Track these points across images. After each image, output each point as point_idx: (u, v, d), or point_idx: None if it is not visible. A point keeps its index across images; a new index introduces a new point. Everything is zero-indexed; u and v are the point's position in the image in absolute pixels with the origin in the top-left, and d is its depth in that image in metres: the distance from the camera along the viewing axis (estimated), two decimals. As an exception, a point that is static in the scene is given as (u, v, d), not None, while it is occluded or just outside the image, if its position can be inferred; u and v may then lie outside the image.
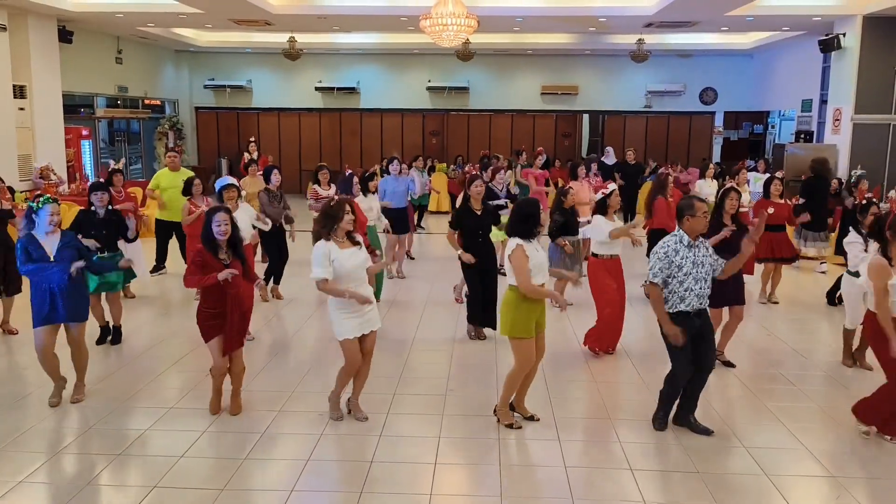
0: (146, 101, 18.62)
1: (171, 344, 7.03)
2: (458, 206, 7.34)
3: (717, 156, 20.17)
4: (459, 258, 7.01)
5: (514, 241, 4.92)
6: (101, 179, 8.65)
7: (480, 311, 7.12)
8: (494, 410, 5.26)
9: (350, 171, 8.57)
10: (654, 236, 8.06)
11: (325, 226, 4.94)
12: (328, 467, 4.62)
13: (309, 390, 5.86)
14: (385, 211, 9.26)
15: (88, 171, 15.20)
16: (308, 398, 5.68)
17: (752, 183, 12.34)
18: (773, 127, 20.19)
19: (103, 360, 6.55)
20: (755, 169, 14.32)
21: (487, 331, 7.25)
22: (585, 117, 21.47)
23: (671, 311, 4.84)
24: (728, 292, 6.11)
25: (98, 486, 4.34)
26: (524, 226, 4.92)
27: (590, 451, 4.92)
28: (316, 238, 4.99)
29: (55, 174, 12.92)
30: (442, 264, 10.60)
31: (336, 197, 5.30)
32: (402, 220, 9.86)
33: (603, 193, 6.75)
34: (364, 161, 19.80)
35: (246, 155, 13.59)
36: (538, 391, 5.71)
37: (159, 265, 9.93)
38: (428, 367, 6.47)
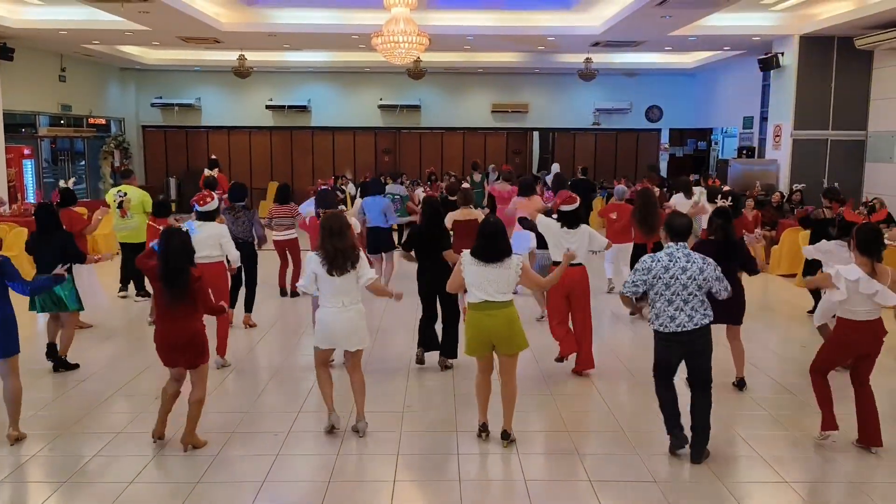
0: (91, 120, 18.19)
1: (117, 368, 6.80)
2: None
3: (663, 171, 20.60)
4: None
5: (516, 258, 4.97)
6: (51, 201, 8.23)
7: (434, 339, 6.81)
8: (506, 434, 5.10)
9: (324, 186, 8.48)
10: (640, 251, 8.19)
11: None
12: (285, 488, 4.52)
13: (263, 411, 5.75)
14: (368, 230, 9.87)
15: (30, 191, 14.76)
16: (262, 419, 5.57)
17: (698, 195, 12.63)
18: (716, 143, 20.76)
19: (47, 385, 6.32)
20: (698, 182, 14.69)
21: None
22: (535, 134, 21.80)
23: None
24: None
25: (43, 516, 4.17)
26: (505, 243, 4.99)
27: (549, 463, 4.94)
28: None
29: (-5, 195, 12.52)
30: (398, 283, 10.54)
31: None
32: (385, 239, 9.99)
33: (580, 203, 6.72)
34: (315, 179, 19.66)
35: (207, 171, 13.26)
36: (497, 405, 5.70)
37: (124, 287, 9.63)
38: (385, 385, 6.40)
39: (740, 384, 6.32)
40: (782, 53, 13.99)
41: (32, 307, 6.59)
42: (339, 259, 4.93)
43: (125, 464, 4.79)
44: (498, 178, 15.69)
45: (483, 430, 5.17)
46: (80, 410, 5.73)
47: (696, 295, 4.69)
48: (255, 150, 20.74)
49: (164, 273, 4.79)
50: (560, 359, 6.72)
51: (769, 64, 14.31)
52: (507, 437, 5.08)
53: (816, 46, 13.61)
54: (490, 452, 5.01)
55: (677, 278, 4.67)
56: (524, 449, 5.04)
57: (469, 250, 5.00)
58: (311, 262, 5.04)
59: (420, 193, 16.28)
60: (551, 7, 13.49)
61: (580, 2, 12.95)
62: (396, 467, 4.77)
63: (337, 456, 4.91)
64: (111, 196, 9.56)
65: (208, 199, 6.66)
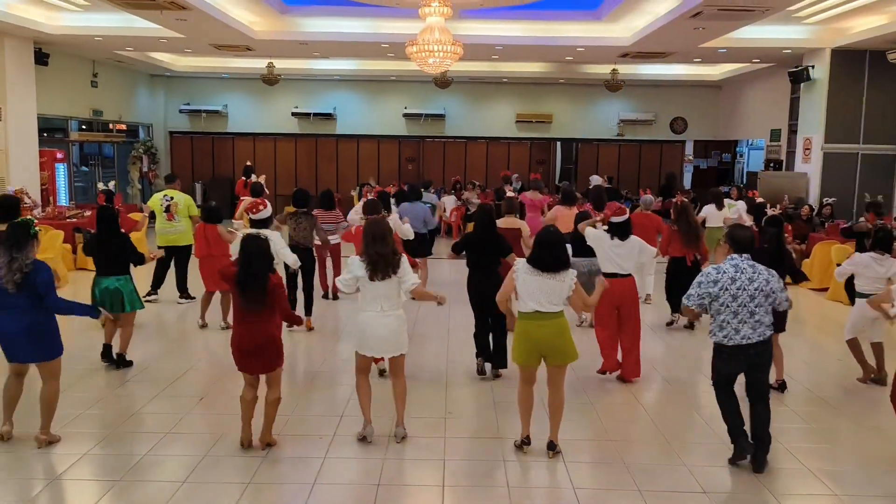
0: (119, 126, 18.41)
1: (160, 369, 6.87)
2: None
3: (687, 183, 20.55)
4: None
5: (572, 272, 4.94)
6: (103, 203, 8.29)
7: (488, 347, 6.77)
8: (552, 445, 5.08)
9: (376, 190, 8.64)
10: (678, 264, 8.29)
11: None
12: (336, 490, 4.56)
13: (309, 413, 5.80)
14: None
15: (62, 194, 14.96)
16: (307, 422, 5.62)
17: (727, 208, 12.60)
18: (741, 156, 20.69)
19: (93, 385, 6.40)
20: (728, 195, 14.64)
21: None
22: (559, 145, 21.78)
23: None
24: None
25: (100, 514, 4.23)
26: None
27: (596, 472, 4.93)
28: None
29: (29, 197, 12.66)
30: (432, 289, 10.57)
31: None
32: (422, 244, 10.12)
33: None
34: (340, 187, 19.81)
35: (254, 177, 13.47)
36: (541, 414, 5.71)
37: (154, 291, 9.63)
38: (423, 391, 6.41)
39: (781, 387, 6.41)
40: (813, 66, 13.94)
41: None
42: (381, 264, 4.99)
43: (176, 464, 4.85)
44: (522, 188, 15.71)
45: (526, 442, 5.12)
46: (127, 410, 5.81)
47: (762, 306, 4.73)
48: (280, 156, 20.89)
49: (243, 278, 4.83)
50: (603, 372, 6.76)
51: (800, 77, 14.25)
52: (553, 447, 5.06)
53: (848, 60, 13.55)
54: (536, 460, 5.00)
55: (744, 289, 4.69)
56: (570, 457, 5.04)
57: (525, 259, 5.02)
58: (354, 265, 5.10)
59: (444, 201, 16.35)
60: (582, 18, 13.54)
61: (611, 13, 12.98)
62: (444, 473, 4.79)
63: (384, 460, 4.94)
64: (157, 200, 9.69)
65: (261, 208, 6.67)
